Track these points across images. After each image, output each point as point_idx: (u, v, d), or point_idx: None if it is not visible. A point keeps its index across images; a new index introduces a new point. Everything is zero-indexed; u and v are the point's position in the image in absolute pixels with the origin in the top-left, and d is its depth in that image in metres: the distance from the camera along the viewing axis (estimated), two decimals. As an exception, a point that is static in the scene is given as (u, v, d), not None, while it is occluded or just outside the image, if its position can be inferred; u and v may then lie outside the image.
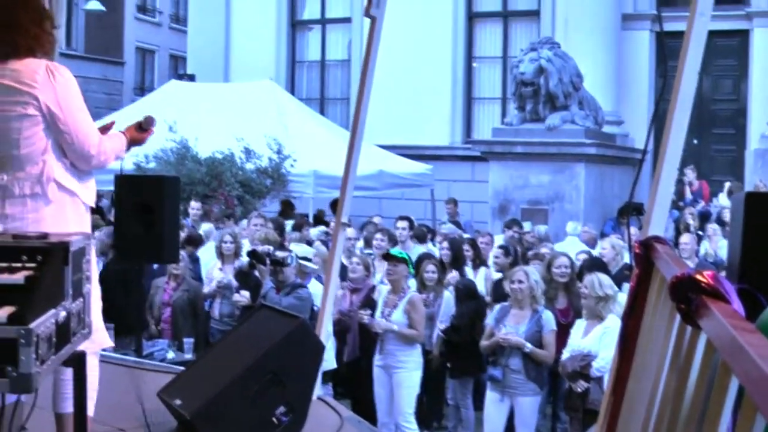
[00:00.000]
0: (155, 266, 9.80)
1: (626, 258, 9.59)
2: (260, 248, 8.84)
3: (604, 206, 16.30)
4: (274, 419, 4.86)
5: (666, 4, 17.74)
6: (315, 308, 8.05)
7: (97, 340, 4.11)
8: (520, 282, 7.73)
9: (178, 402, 4.93)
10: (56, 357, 3.03)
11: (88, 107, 4.16)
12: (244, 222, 12.32)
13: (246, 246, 9.82)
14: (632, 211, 12.92)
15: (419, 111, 19.85)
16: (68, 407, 3.84)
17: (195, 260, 10.59)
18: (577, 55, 16.23)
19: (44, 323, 2.89)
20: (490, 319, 8.16)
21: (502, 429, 7.75)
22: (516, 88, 16.25)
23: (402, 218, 11.97)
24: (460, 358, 8.76)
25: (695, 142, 18.07)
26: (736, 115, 18.68)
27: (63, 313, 3.09)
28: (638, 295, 3.61)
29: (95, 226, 8.27)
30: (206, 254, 10.63)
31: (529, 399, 7.64)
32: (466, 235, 12.31)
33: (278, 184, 15.32)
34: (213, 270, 9.81)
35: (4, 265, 3.10)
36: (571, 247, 11.52)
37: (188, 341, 8.80)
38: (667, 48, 15.78)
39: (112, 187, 7.80)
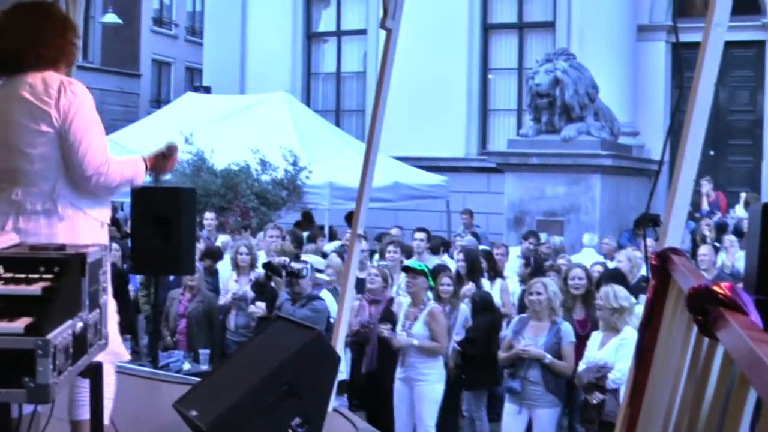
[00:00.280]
0: (171, 278, 9.82)
1: (643, 270, 9.55)
2: (276, 260, 8.85)
3: (620, 218, 16.25)
4: (289, 430, 4.86)
5: (682, 15, 17.70)
6: (331, 319, 8.05)
7: (115, 352, 4.12)
8: (539, 294, 7.71)
9: (194, 413, 4.93)
10: (73, 368, 3.04)
11: (105, 120, 4.13)
12: (261, 234, 12.33)
13: (262, 258, 9.83)
14: (648, 222, 12.89)
15: (435, 122, 19.86)
16: (84, 414, 3.85)
17: (213, 273, 10.61)
18: (593, 67, 16.21)
19: (61, 334, 2.90)
20: (508, 331, 8.14)
21: (521, 441, 7.73)
22: (531, 99, 16.23)
23: (420, 230, 11.97)
24: (476, 370, 8.74)
25: (711, 153, 18.00)
26: (753, 126, 18.61)
27: (80, 324, 3.10)
28: (655, 307, 3.59)
29: (111, 238, 8.30)
30: (224, 266, 10.64)
31: (548, 411, 7.60)
32: (482, 247, 12.29)
33: (294, 196, 15.33)
34: (228, 281, 9.82)
35: (22, 276, 3.11)
36: (588, 259, 11.48)
37: (204, 352, 8.82)
38: (683, 59, 15.76)
39: (128, 199, 7.82)
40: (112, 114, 26.52)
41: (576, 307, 8.57)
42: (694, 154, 3.81)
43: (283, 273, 8.48)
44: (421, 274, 8.38)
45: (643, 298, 7.60)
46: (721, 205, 16.51)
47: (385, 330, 8.41)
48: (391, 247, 10.70)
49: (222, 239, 12.03)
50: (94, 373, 3.43)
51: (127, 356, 4.41)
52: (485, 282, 9.90)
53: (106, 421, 4.00)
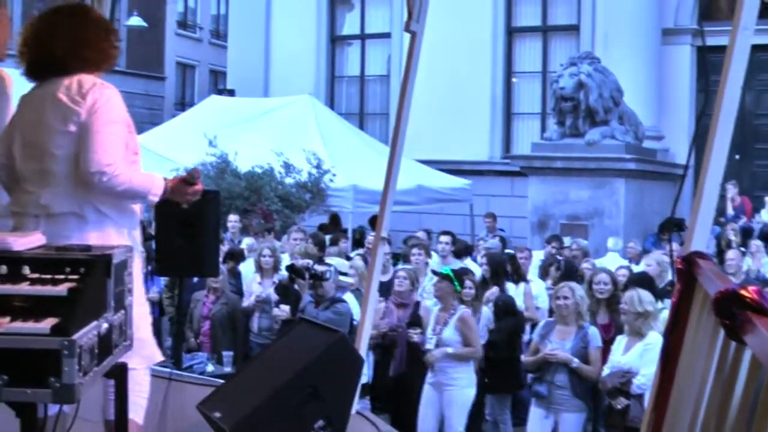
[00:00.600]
0: (195, 280, 9.85)
1: (671, 274, 9.51)
2: (299, 262, 8.86)
3: (644, 222, 16.18)
4: (312, 433, 4.86)
5: (707, 19, 17.63)
6: (354, 322, 8.05)
7: (148, 354, 4.12)
8: (566, 298, 7.69)
9: (217, 415, 4.94)
10: (98, 368, 3.05)
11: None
12: (285, 237, 12.35)
13: (285, 260, 9.85)
14: (673, 227, 12.83)
15: (458, 126, 19.83)
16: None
17: (236, 275, 10.63)
18: (617, 70, 16.15)
19: (87, 335, 2.91)
20: (534, 335, 8.13)
21: (547, 445, 7.71)
22: (555, 103, 16.19)
23: (445, 233, 11.95)
24: (499, 374, 8.72)
25: (737, 157, 17.89)
26: (779, 130, 18.51)
27: (105, 325, 3.12)
28: (681, 311, 3.58)
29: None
30: (248, 268, 10.65)
31: (575, 416, 7.58)
32: (508, 251, 12.27)
33: (317, 199, 15.35)
34: (252, 284, 9.84)
35: (48, 276, 3.13)
36: (612, 263, 11.44)
37: (227, 354, 8.83)
38: (709, 62, 15.67)
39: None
40: (137, 117, 26.39)
41: (600, 312, 8.54)
42: (719, 158, 3.79)
43: (307, 276, 8.48)
44: (446, 278, 8.36)
45: (669, 302, 7.57)
46: (746, 209, 16.40)
47: (414, 335, 8.41)
48: (415, 250, 10.69)
49: (246, 242, 12.05)
50: (120, 373, 3.45)
51: (161, 357, 4.40)
52: (510, 286, 9.87)
53: (140, 422, 4.01)
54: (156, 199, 4.02)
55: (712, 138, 3.79)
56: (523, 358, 8.07)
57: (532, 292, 10.11)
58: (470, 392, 8.20)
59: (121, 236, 3.98)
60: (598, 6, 19.16)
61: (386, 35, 21.91)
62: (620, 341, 7.55)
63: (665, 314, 6.82)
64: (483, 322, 8.83)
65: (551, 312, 8.48)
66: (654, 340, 7.02)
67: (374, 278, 6.04)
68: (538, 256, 12.32)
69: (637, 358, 7.21)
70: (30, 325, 2.86)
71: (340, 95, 22.92)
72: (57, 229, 3.84)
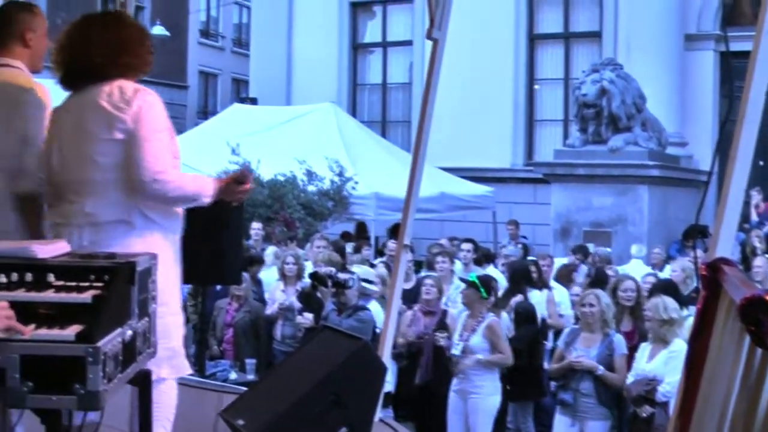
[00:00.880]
0: (218, 287, 9.87)
1: (696, 281, 9.46)
2: (322, 270, 8.86)
3: (668, 229, 16.11)
4: (335, 440, 4.85)
5: (730, 24, 17.54)
6: (377, 330, 8.05)
7: (178, 365, 4.09)
8: (591, 305, 7.66)
9: (240, 422, 4.94)
10: (123, 375, 3.06)
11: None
12: (308, 244, 12.36)
13: (309, 268, 9.85)
14: (697, 233, 12.76)
15: (481, 133, 19.82)
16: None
17: (258, 282, 10.65)
18: (640, 76, 16.11)
19: (111, 342, 2.92)
20: (559, 342, 8.10)
21: (573, 453, 7.67)
22: (578, 109, 16.17)
23: (467, 240, 11.93)
24: (520, 381, 8.69)
25: (761, 163, 17.79)
26: (803, 136, 18.37)
27: (129, 332, 3.13)
28: (705, 318, 3.55)
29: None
30: (270, 276, 10.67)
31: (600, 423, 7.54)
32: (531, 258, 12.24)
33: (340, 207, 15.36)
34: (275, 291, 9.85)
35: (73, 284, 3.14)
36: (636, 270, 11.39)
37: (250, 362, 8.84)
38: (732, 68, 15.59)
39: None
40: (159, 125, 26.68)
41: (623, 319, 8.50)
42: (744, 164, 3.77)
43: (329, 283, 8.48)
44: (472, 285, 8.35)
45: (694, 309, 7.52)
46: (771, 216, 16.30)
47: (441, 338, 8.40)
48: (440, 258, 10.67)
49: (270, 250, 12.07)
50: (143, 381, 3.46)
51: (189, 370, 4.38)
52: (536, 293, 9.84)
53: None
54: (208, 200, 4.05)
55: (736, 144, 3.77)
56: (548, 365, 8.03)
57: (555, 299, 10.08)
58: (495, 399, 8.17)
59: (167, 241, 3.98)
60: (621, 12, 19.12)
61: (408, 43, 21.93)
62: (644, 349, 7.51)
63: (690, 321, 6.79)
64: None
65: (576, 319, 8.45)
66: (679, 347, 6.98)
67: (397, 286, 6.04)
68: (561, 263, 12.28)
69: (662, 365, 7.17)
70: (55, 332, 2.87)
71: (362, 103, 22.95)
72: (103, 237, 3.82)
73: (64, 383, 2.81)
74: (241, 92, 31.52)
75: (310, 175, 15.27)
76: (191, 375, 6.99)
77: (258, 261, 11.02)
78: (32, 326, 2.87)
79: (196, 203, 4.06)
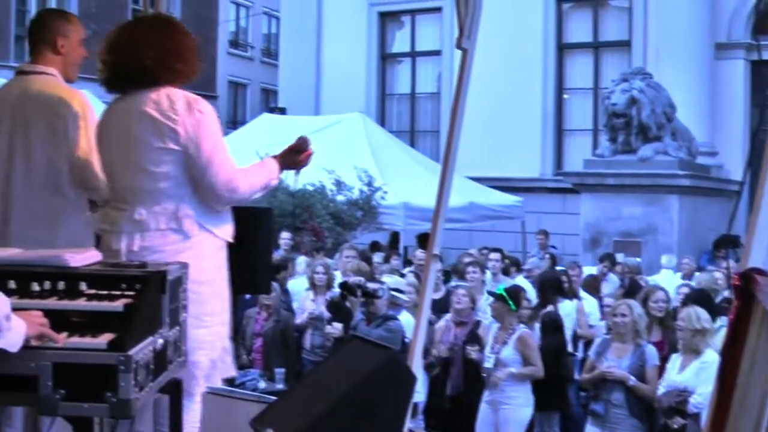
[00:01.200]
0: (247, 297, 9.89)
1: (727, 292, 9.40)
2: (352, 280, 8.86)
3: (699, 239, 16.01)
4: (365, 450, 4.84)
5: (762, 32, 17.44)
6: (406, 340, 8.03)
7: (225, 369, 4.08)
8: (623, 316, 7.61)
9: (269, 431, 4.95)
10: (154, 384, 3.07)
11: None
12: (337, 254, 12.36)
13: (338, 278, 9.86)
14: (728, 243, 12.68)
15: (510, 143, 19.80)
16: None
17: (285, 291, 10.66)
18: (670, 86, 16.05)
19: (142, 350, 2.93)
20: (590, 353, 8.06)
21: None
22: (607, 119, 16.12)
23: (494, 250, 11.90)
24: (545, 391, 8.65)
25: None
26: (836, 145, 18.22)
27: (160, 341, 3.14)
28: (738, 328, 3.52)
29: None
30: (298, 286, 10.67)
31: (632, 435, 7.50)
32: (559, 268, 12.20)
33: (369, 216, 15.37)
34: (305, 301, 9.86)
35: (104, 292, 3.15)
36: (666, 280, 11.33)
37: (279, 371, 8.85)
38: (764, 77, 15.50)
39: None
40: (189, 135, 26.82)
41: (653, 330, 8.45)
42: (777, 173, 3.74)
43: (359, 293, 8.48)
44: (500, 298, 8.31)
45: (725, 319, 7.48)
46: (803, 225, 16.16)
47: (473, 352, 8.38)
48: (471, 268, 10.65)
49: (301, 259, 12.09)
50: (174, 389, 3.47)
51: (234, 371, 4.36)
52: (567, 303, 9.80)
53: None
54: (276, 181, 4.16)
55: (768, 153, 3.74)
56: (579, 376, 7.98)
57: (585, 309, 10.04)
58: (527, 411, 8.13)
59: (218, 248, 3.98)
60: (650, 21, 19.07)
61: (436, 53, 21.96)
62: (675, 360, 7.45)
63: (722, 332, 6.74)
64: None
65: (608, 329, 8.41)
66: (710, 358, 6.94)
67: (427, 296, 6.02)
68: (590, 272, 12.23)
69: (693, 376, 7.12)
70: (87, 341, 2.88)
71: (391, 113, 22.98)
72: (154, 245, 3.79)
73: (96, 391, 2.81)
74: (270, 102, 31.63)
75: (339, 184, 15.29)
76: (220, 384, 7.01)
77: (283, 267, 11.01)
78: (65, 334, 2.88)
79: (269, 189, 4.15)
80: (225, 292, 4.09)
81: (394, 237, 16.27)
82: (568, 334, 9.35)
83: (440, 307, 9.34)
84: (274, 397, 6.06)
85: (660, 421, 7.68)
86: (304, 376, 7.28)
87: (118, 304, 3.07)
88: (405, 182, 15.64)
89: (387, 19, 23.02)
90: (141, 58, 3.83)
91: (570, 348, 9.42)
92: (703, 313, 7.33)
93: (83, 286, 3.18)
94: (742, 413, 3.27)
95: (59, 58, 4.37)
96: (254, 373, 8.90)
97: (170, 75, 3.87)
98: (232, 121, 33.94)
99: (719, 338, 7.12)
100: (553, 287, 9.88)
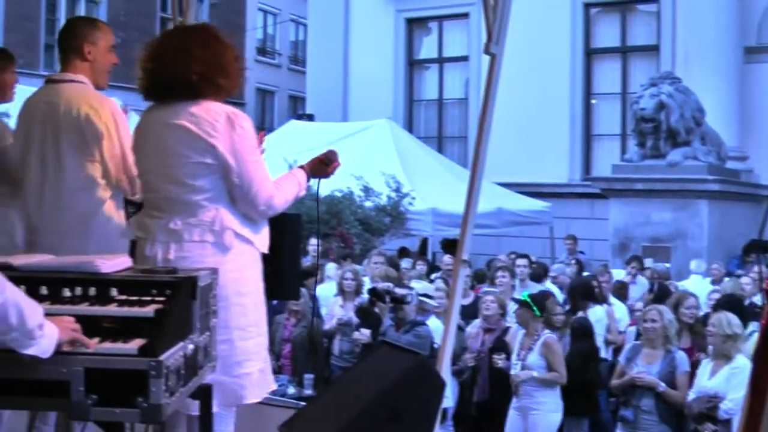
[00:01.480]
0: (275, 302, 9.91)
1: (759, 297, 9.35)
2: (380, 285, 8.86)
3: (728, 244, 15.90)
4: (394, 456, 4.84)
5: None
6: (435, 345, 8.03)
7: (265, 384, 4.09)
8: (654, 321, 7.58)
9: (299, 437, 4.95)
10: (184, 389, 3.08)
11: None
12: (366, 260, 12.36)
13: (367, 284, 9.86)
14: (758, 249, 12.60)
15: (538, 148, 19.74)
16: None
17: (313, 297, 10.66)
18: (699, 90, 15.96)
19: (173, 355, 2.94)
20: (620, 358, 8.02)
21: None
22: (636, 124, 16.05)
23: (521, 256, 11.86)
24: (574, 396, 8.62)
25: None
26: None
27: (191, 346, 3.15)
28: (770, 333, 3.50)
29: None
30: (326, 291, 10.68)
31: (662, 441, 7.45)
32: (586, 273, 12.14)
33: (397, 222, 15.36)
34: (334, 307, 9.87)
35: (135, 298, 3.17)
36: (696, 286, 11.26)
37: (308, 377, 8.86)
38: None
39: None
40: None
41: (683, 336, 8.40)
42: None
43: (387, 299, 8.49)
44: (524, 304, 8.30)
45: (755, 324, 7.43)
46: (834, 230, 16.03)
47: (499, 360, 8.36)
48: (500, 273, 10.63)
49: (330, 266, 12.10)
50: (205, 394, 3.47)
51: (274, 385, 4.33)
52: (598, 309, 9.76)
53: None
54: (304, 192, 4.19)
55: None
56: (611, 381, 7.94)
57: (614, 315, 10.00)
58: (556, 417, 8.10)
59: (255, 259, 3.97)
60: (679, 25, 18.98)
61: (464, 58, 21.95)
62: (706, 365, 7.41)
63: (754, 338, 6.69)
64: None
65: (638, 334, 8.37)
66: (741, 363, 6.89)
67: (455, 301, 6.02)
68: (619, 276, 12.19)
69: (724, 382, 7.07)
70: (118, 346, 2.90)
71: (419, 119, 22.99)
72: (192, 255, 3.78)
73: (127, 396, 2.82)
74: (297, 109, 31.72)
75: (367, 190, 15.30)
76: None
77: (311, 273, 11.02)
78: (96, 340, 2.90)
79: (297, 199, 4.17)
80: (264, 301, 4.10)
81: (424, 243, 16.25)
82: (599, 339, 9.31)
83: (469, 313, 9.33)
84: (303, 403, 6.07)
85: (690, 427, 7.64)
86: (333, 381, 7.29)
87: (149, 310, 3.08)
88: (433, 188, 15.63)
89: (414, 25, 23.04)
90: (187, 72, 3.78)
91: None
92: (734, 319, 7.28)
93: (114, 291, 3.19)
94: (774, 419, 3.25)
95: (87, 65, 4.38)
96: (283, 379, 8.91)
97: (213, 90, 3.83)
98: (260, 128, 33.77)
99: (750, 344, 7.08)
100: (582, 293, 9.85)
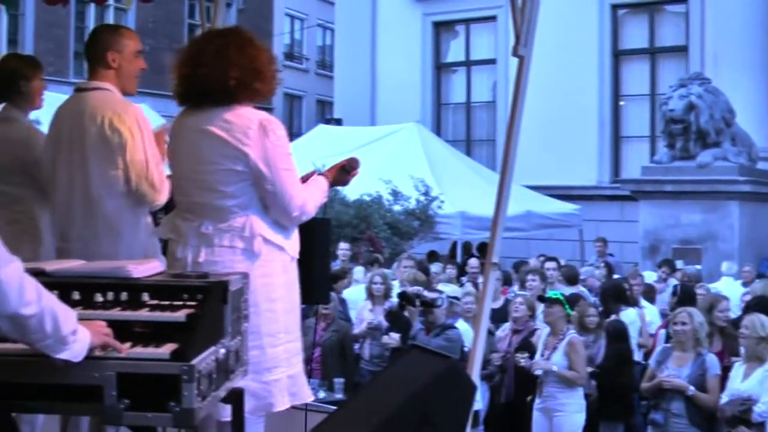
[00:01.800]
0: (304, 306, 9.91)
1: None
2: (410, 289, 8.86)
3: (760, 245, 15.79)
4: (425, 459, 4.83)
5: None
6: (465, 349, 8.02)
7: (300, 393, 4.12)
8: (684, 324, 7.53)
9: (330, 441, 4.95)
10: (216, 393, 3.08)
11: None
12: (395, 264, 12.36)
13: (396, 287, 9.86)
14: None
15: (566, 151, 19.68)
16: None
17: (342, 301, 10.68)
18: (728, 90, 15.86)
19: (205, 360, 2.95)
20: (651, 361, 7.98)
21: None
22: (665, 125, 15.97)
23: (549, 259, 11.83)
24: (609, 400, 8.58)
25: None
26: None
27: (222, 351, 3.15)
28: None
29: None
30: (355, 295, 10.69)
31: (692, 445, 7.40)
32: (616, 276, 12.08)
33: (426, 226, 15.36)
34: (363, 311, 9.88)
35: (166, 303, 3.18)
36: (727, 288, 11.18)
37: (339, 381, 8.87)
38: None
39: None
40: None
41: (714, 339, 8.35)
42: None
43: (417, 303, 8.48)
44: (557, 302, 8.28)
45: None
46: None
47: (522, 359, 8.34)
48: (530, 276, 10.62)
49: (359, 269, 12.11)
50: (236, 399, 3.48)
51: (311, 396, 4.38)
52: (630, 311, 9.71)
53: None
54: (326, 199, 4.17)
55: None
56: (641, 384, 7.91)
57: (646, 318, 9.95)
58: (580, 418, 8.07)
59: (286, 264, 3.97)
60: (707, 26, 18.88)
61: (491, 61, 21.92)
62: (739, 368, 7.36)
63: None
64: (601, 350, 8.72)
65: (668, 337, 8.33)
66: (775, 365, 6.84)
67: (486, 304, 6.00)
68: (650, 278, 12.12)
69: (758, 384, 7.02)
70: (150, 351, 2.90)
71: (447, 122, 22.98)
72: (223, 260, 3.79)
73: (160, 401, 2.83)
74: (325, 113, 31.79)
75: (396, 194, 15.31)
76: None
77: (340, 276, 11.04)
78: (128, 344, 2.91)
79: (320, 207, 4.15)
80: (297, 307, 4.10)
81: (454, 247, 16.25)
82: (632, 342, 9.27)
83: (499, 316, 9.31)
84: (333, 407, 6.07)
85: (723, 430, 7.58)
86: (363, 385, 7.28)
87: (180, 315, 3.09)
88: (461, 191, 15.62)
89: (441, 28, 23.04)
90: (225, 78, 3.78)
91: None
92: (767, 320, 7.23)
93: (146, 296, 3.20)
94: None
95: (112, 72, 4.39)
96: (313, 383, 8.92)
97: (248, 94, 3.84)
98: (289, 133, 33.89)
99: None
100: (614, 296, 9.81)
